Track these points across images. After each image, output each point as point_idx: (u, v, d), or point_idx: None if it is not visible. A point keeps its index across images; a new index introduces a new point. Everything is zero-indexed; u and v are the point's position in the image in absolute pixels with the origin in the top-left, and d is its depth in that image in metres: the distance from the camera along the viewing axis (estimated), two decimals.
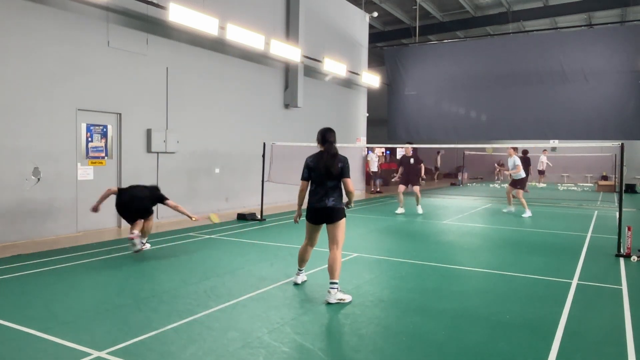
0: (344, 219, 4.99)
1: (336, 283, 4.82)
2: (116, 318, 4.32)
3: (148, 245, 7.23)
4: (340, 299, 4.78)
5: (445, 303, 4.86)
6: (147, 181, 10.37)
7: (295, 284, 5.37)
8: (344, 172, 4.94)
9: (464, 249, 8.18)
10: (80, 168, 8.70)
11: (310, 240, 5.26)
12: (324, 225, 5.06)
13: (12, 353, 3.54)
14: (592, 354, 3.66)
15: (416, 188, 12.00)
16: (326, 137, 5.00)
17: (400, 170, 12.25)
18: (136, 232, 6.71)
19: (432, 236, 9.19)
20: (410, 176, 12.06)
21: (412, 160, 12.00)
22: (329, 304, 4.73)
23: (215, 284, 5.47)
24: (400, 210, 12.01)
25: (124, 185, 9.44)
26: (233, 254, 7.14)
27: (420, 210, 11.99)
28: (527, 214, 11.78)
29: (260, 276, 5.81)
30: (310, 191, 5.07)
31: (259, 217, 10.79)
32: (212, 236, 8.48)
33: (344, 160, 4.98)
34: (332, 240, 4.97)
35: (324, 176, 4.92)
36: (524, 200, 12.10)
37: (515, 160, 12.25)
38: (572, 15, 20.49)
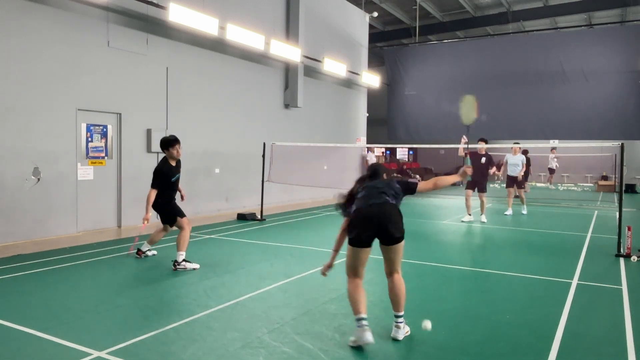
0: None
1: (402, 315, 3.87)
2: (116, 318, 4.32)
3: (152, 252, 6.93)
4: (407, 332, 3.93)
5: (445, 303, 4.86)
6: (147, 182, 10.37)
7: (354, 347, 3.66)
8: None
9: (464, 249, 8.18)
10: (80, 168, 8.70)
11: (356, 269, 3.85)
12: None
13: (12, 353, 3.54)
14: (592, 354, 3.66)
15: (482, 195, 10.93)
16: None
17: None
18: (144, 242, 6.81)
19: (432, 236, 9.19)
20: (479, 179, 10.83)
21: (483, 160, 10.80)
22: (396, 340, 3.82)
23: (215, 284, 5.47)
24: (467, 217, 10.92)
25: (125, 185, 9.47)
26: (233, 254, 7.14)
27: (484, 218, 10.87)
28: (510, 212, 12.21)
29: (260, 276, 5.81)
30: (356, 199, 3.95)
31: (259, 217, 10.79)
32: (212, 236, 8.48)
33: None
34: (392, 264, 3.90)
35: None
36: (511, 200, 12.37)
37: (523, 159, 12.25)
38: (572, 15, 20.48)
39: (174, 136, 6.39)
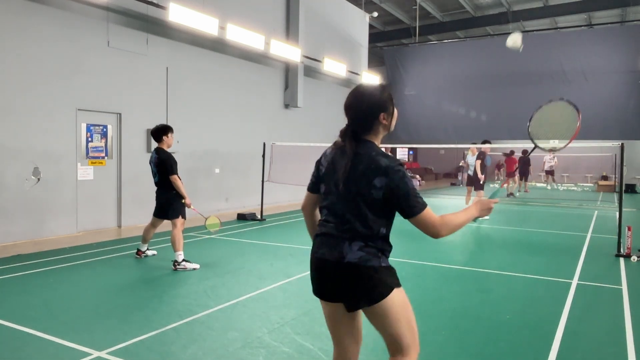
0: (394, 294, 2.18)
1: None
2: (116, 318, 4.32)
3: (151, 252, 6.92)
4: None
5: (445, 303, 4.86)
6: (147, 182, 10.39)
7: None
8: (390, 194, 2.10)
9: (464, 249, 8.18)
10: (80, 168, 8.70)
11: (341, 346, 2.31)
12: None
13: (12, 353, 3.54)
14: (592, 354, 3.66)
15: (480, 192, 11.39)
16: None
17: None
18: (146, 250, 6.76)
19: None
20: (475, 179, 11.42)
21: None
22: None
23: (215, 284, 5.47)
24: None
25: (125, 185, 9.47)
26: (233, 254, 7.14)
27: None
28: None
29: (260, 276, 5.81)
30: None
31: (259, 217, 10.79)
32: (212, 236, 8.48)
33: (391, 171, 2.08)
34: (390, 341, 2.21)
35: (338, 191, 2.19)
36: (469, 198, 11.94)
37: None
38: (572, 15, 20.48)
39: (166, 124, 6.40)
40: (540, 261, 6.85)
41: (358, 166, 2.12)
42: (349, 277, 2.10)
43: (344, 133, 2.21)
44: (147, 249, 6.81)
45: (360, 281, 2.10)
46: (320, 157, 2.35)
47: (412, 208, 2.07)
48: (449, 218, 2.14)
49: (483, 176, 11.87)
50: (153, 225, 6.58)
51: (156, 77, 10.02)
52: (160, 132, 6.21)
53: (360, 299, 2.11)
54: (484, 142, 11.43)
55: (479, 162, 11.25)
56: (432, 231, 2.11)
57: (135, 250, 6.82)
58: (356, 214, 2.13)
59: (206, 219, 6.75)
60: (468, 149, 12.77)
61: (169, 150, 6.27)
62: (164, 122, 10.15)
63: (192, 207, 6.33)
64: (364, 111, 2.17)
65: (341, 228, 2.15)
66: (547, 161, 21.61)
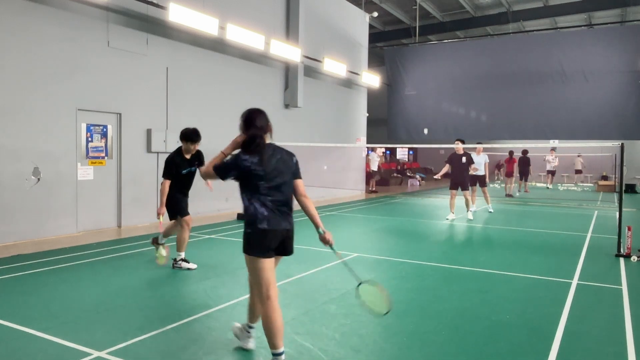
0: None
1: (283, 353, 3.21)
2: (116, 318, 4.32)
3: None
4: None
5: (445, 303, 4.86)
6: (147, 182, 10.44)
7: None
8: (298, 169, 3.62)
9: (463, 249, 8.18)
10: (80, 168, 8.70)
11: (274, 285, 3.36)
12: None
13: (12, 353, 3.54)
14: (592, 354, 3.66)
15: (466, 193, 11.23)
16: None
17: (446, 169, 11.34)
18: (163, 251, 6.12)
19: (432, 236, 9.19)
20: (461, 179, 11.15)
21: (463, 159, 11.08)
22: None
23: (215, 284, 5.47)
24: (451, 216, 11.07)
25: (125, 185, 9.47)
26: (233, 254, 7.14)
27: (470, 216, 11.25)
28: (473, 208, 11.98)
29: None
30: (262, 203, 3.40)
31: None
32: (212, 236, 8.48)
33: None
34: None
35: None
36: (474, 198, 12.29)
37: (486, 159, 12.61)
38: (572, 15, 20.51)
39: (196, 132, 6.21)
40: (540, 261, 6.85)
41: (283, 156, 3.52)
42: (292, 236, 3.50)
43: (260, 139, 3.52)
44: (182, 259, 6.15)
45: (293, 237, 3.52)
46: (247, 164, 3.37)
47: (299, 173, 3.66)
48: None
49: (483, 175, 12.52)
50: (174, 226, 6.24)
51: (156, 77, 10.02)
52: (181, 136, 6.22)
53: (292, 247, 3.53)
54: (457, 141, 11.29)
55: (447, 166, 11.37)
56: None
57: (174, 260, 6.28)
58: (290, 192, 3.52)
59: (160, 245, 6.10)
60: (474, 149, 12.93)
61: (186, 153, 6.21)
62: (165, 122, 10.20)
63: (160, 218, 6.00)
64: (266, 124, 3.73)
65: (287, 206, 3.45)
66: (549, 161, 21.59)
